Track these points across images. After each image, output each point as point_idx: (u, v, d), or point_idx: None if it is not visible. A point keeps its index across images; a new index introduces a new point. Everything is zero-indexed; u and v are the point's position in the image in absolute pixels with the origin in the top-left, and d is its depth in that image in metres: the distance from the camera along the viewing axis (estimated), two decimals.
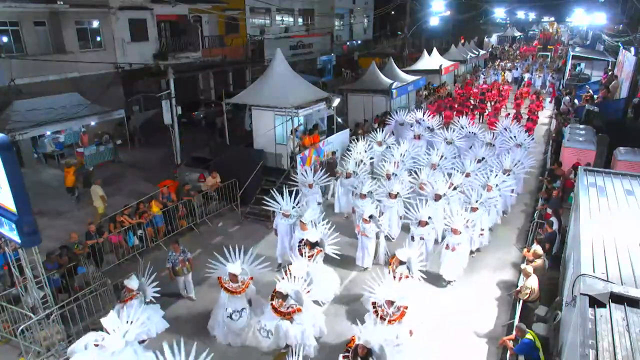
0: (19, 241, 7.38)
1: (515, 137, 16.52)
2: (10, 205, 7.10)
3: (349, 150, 15.59)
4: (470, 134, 17.48)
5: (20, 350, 8.11)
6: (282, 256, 11.02)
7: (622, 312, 5.25)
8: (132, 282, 8.39)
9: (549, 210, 11.62)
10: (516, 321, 7.91)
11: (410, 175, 13.57)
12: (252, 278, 8.49)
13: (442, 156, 14.58)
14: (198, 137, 19.27)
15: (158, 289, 8.69)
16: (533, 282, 8.66)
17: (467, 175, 13.11)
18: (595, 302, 5.37)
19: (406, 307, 7.58)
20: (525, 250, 10.49)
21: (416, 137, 17.36)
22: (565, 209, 11.99)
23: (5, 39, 17.54)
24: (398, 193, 12.02)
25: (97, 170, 17.21)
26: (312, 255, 9.38)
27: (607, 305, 5.34)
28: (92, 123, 17.68)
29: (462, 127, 17.75)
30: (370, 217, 10.63)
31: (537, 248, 9.81)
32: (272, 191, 11.24)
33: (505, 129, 17.48)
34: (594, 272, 5.98)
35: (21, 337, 7.98)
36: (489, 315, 9.36)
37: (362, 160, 14.52)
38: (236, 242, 12.18)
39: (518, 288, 9.16)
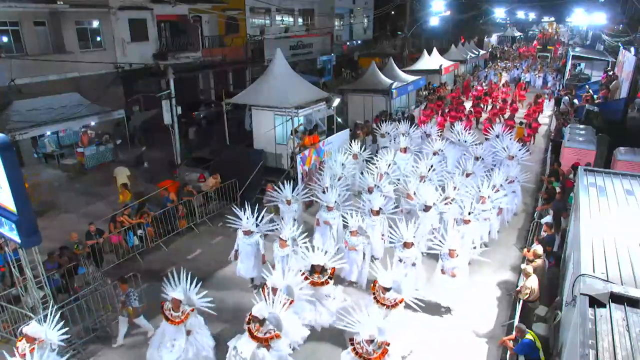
0: (19, 241, 7.38)
1: (507, 147, 14.77)
2: (10, 205, 7.10)
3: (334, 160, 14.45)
4: (460, 142, 16.23)
5: None
6: (249, 275, 10.03)
7: (622, 312, 5.26)
8: (34, 330, 6.79)
9: (551, 212, 11.62)
10: (516, 321, 7.90)
11: (396, 187, 12.80)
12: (193, 309, 7.69)
13: (430, 168, 13.40)
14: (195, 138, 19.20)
15: (66, 329, 7.31)
16: (533, 282, 8.66)
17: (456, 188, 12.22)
18: (595, 302, 5.37)
19: (388, 344, 6.70)
20: (525, 250, 10.49)
21: (402, 150, 15.34)
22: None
23: (5, 39, 17.52)
24: (381, 209, 10.90)
25: (98, 169, 17.24)
26: (323, 283, 8.52)
27: (607, 305, 5.34)
28: (92, 123, 17.68)
29: (459, 133, 16.48)
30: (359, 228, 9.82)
31: (537, 248, 9.80)
32: (233, 207, 10.16)
33: (498, 136, 16.02)
34: (594, 272, 5.98)
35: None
36: (489, 315, 9.36)
37: (348, 176, 13.71)
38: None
39: (518, 288, 9.15)
